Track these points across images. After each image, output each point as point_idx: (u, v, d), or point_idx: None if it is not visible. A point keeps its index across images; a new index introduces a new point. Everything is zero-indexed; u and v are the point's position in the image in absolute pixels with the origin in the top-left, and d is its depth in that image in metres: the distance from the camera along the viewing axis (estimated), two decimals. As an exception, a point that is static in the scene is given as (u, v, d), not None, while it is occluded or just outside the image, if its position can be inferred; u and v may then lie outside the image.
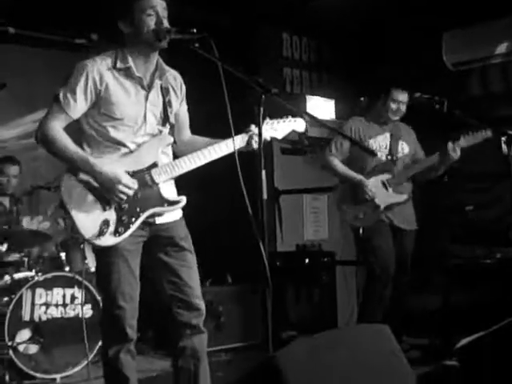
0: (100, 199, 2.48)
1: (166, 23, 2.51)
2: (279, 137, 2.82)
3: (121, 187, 2.45)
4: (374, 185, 4.09)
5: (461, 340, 2.78)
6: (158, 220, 2.61)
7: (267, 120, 2.73)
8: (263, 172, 2.26)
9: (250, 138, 2.67)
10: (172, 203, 2.60)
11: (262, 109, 2.25)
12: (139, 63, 2.58)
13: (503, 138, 3.87)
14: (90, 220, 2.45)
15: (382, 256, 4.06)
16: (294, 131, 2.88)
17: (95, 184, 2.47)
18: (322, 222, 6.15)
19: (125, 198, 2.47)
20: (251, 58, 5.68)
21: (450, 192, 5.04)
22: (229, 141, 2.62)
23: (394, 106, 4.17)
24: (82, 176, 2.47)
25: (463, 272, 4.77)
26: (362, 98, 6.13)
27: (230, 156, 2.58)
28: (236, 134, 2.57)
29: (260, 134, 2.29)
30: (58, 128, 2.49)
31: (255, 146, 2.65)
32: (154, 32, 2.50)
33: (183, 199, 2.63)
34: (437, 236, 5.02)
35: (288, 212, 5.87)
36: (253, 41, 5.86)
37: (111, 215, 2.48)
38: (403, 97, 4.17)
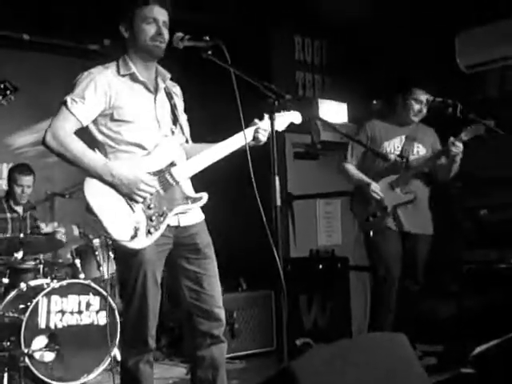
0: (127, 200, 2.45)
1: (165, 33, 2.55)
2: (279, 129, 2.81)
3: (142, 186, 2.42)
4: (381, 187, 4.05)
5: (476, 347, 2.76)
6: (183, 221, 2.59)
7: (266, 115, 2.71)
8: (276, 178, 2.26)
9: (256, 131, 2.68)
10: (195, 200, 2.61)
11: (275, 115, 2.27)
12: (141, 69, 2.61)
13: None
14: (119, 222, 2.40)
15: (386, 259, 4.03)
16: (292, 124, 2.92)
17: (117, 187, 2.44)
18: (335, 227, 6.14)
19: (147, 196, 2.44)
20: (263, 62, 5.68)
21: (463, 197, 5.01)
22: (238, 135, 2.63)
23: (416, 106, 4.08)
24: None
25: (477, 277, 4.73)
26: (374, 101, 6.13)
27: (243, 159, 2.58)
28: (241, 130, 2.58)
29: (273, 142, 2.29)
30: (69, 131, 2.44)
31: (262, 138, 2.68)
32: (152, 40, 2.53)
33: (205, 195, 2.62)
34: (450, 242, 4.98)
35: (301, 217, 5.87)
36: (265, 44, 5.86)
37: (141, 216, 2.45)
38: (424, 96, 4.08)
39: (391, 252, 4.05)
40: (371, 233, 4.08)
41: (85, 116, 2.47)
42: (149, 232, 2.44)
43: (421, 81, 4.21)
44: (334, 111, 5.94)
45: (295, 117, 2.91)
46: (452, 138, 3.89)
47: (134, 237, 2.40)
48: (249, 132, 2.65)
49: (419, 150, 4.19)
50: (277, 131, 2.77)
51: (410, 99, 4.09)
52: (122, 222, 2.40)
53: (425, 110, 4.12)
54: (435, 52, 5.63)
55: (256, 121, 2.69)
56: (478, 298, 4.62)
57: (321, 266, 5.34)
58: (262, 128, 2.66)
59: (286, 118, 2.86)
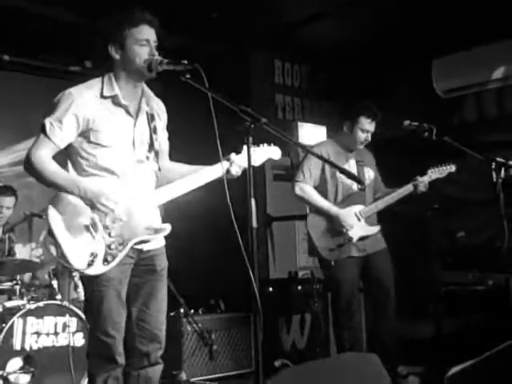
0: (88, 227, 2.49)
1: (156, 54, 2.56)
2: (256, 164, 2.83)
3: (103, 200, 2.47)
4: (347, 216, 4.02)
5: (451, 368, 2.79)
6: (146, 247, 2.65)
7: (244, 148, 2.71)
8: (252, 200, 2.28)
9: (230, 165, 2.70)
10: (157, 231, 2.63)
11: (250, 138, 2.30)
12: (126, 90, 2.62)
13: (492, 165, 3.93)
14: (78, 249, 2.45)
15: (345, 289, 4.04)
16: (270, 159, 2.94)
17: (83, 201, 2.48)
18: (315, 248, 6.15)
19: (108, 211, 2.48)
20: (243, 85, 5.74)
21: (439, 219, 5.06)
22: (212, 167, 2.67)
23: (363, 135, 4.08)
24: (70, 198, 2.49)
25: (455, 299, 4.77)
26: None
27: (220, 182, 2.60)
28: (218, 161, 2.59)
29: (249, 163, 2.30)
30: (45, 156, 2.51)
31: (234, 173, 2.70)
32: (145, 62, 2.54)
33: (168, 227, 2.65)
34: (428, 263, 5.03)
35: (280, 238, 5.88)
36: (245, 68, 5.93)
37: (100, 244, 2.49)
38: (370, 126, 4.08)
39: (349, 281, 4.05)
40: (332, 262, 4.03)
41: (62, 140, 2.54)
42: (106, 260, 2.49)
43: (368, 109, 4.12)
44: (313, 134, 6.00)
45: (274, 152, 2.93)
46: (419, 178, 4.03)
47: (90, 264, 2.46)
48: (223, 165, 2.64)
49: (370, 175, 4.23)
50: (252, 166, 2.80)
51: (357, 128, 4.08)
52: (81, 248, 2.46)
53: (369, 138, 4.12)
54: (412, 77, 5.73)
55: (232, 155, 2.70)
56: (457, 319, 4.65)
57: (300, 288, 5.35)
58: (237, 163, 2.69)
59: (265, 153, 2.89)
